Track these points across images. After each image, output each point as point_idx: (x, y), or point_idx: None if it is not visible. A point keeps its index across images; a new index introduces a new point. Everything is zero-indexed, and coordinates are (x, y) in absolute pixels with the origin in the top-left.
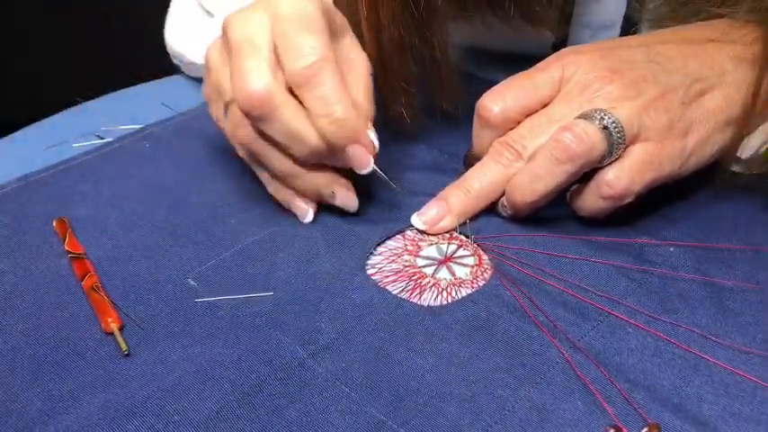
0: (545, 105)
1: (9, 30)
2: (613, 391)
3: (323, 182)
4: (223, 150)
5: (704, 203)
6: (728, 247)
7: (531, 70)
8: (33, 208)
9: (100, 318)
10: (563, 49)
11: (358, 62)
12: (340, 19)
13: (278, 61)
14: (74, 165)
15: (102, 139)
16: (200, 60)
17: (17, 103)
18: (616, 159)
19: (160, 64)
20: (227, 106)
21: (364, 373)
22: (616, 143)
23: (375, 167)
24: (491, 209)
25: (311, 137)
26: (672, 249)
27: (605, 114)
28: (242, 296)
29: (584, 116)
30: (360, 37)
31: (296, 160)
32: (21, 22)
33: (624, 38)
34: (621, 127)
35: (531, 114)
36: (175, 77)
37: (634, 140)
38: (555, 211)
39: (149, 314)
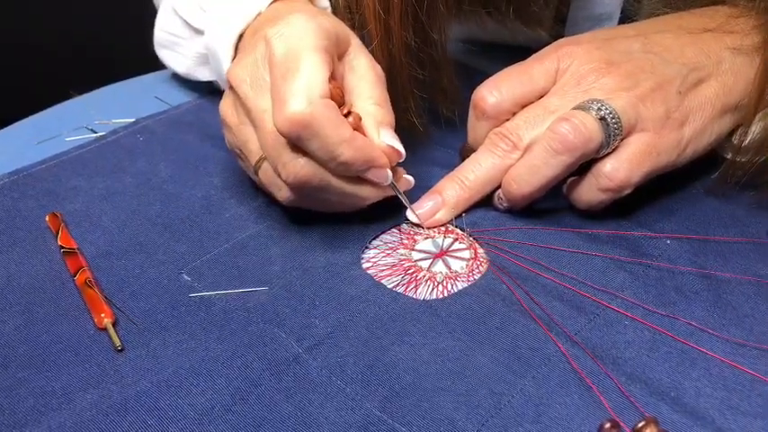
0: (541, 97)
1: (0, 24)
2: (610, 385)
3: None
4: (217, 144)
5: (701, 196)
6: (725, 240)
7: (527, 61)
8: (26, 203)
9: (93, 313)
10: (560, 40)
11: (365, 69)
12: (343, 29)
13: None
14: (67, 159)
15: (95, 132)
16: (184, 72)
17: (9, 98)
18: (613, 151)
19: (153, 57)
20: (259, 161)
21: (360, 368)
22: (613, 134)
23: (400, 194)
24: (487, 201)
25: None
26: (669, 242)
27: (602, 105)
28: (237, 291)
29: (581, 107)
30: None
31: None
32: (12, 16)
33: (621, 27)
34: (618, 117)
35: (526, 106)
36: (168, 70)
37: (631, 131)
38: (551, 204)
39: (143, 309)
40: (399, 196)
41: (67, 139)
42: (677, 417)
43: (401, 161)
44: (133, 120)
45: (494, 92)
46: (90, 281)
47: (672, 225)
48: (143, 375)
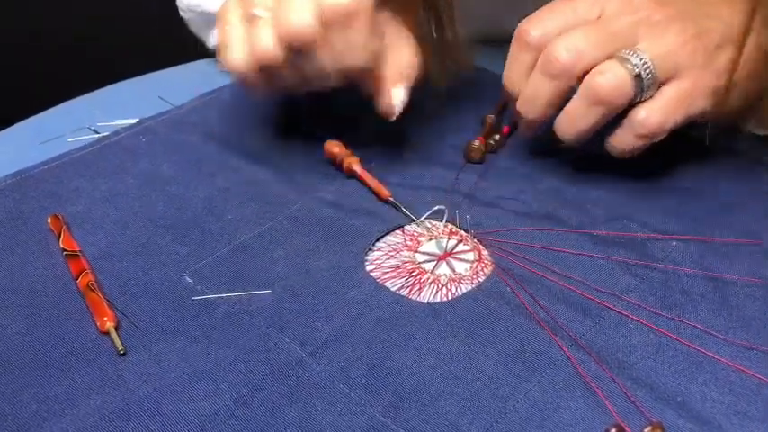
0: None
1: (2, 23)
2: (615, 389)
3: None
4: (220, 145)
5: (708, 197)
6: (732, 242)
7: None
8: (28, 204)
9: (95, 317)
10: None
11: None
12: None
13: None
14: (69, 160)
15: (97, 133)
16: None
17: (11, 98)
18: (650, 97)
19: (156, 56)
20: (253, 17)
21: (363, 372)
22: (647, 86)
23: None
24: (491, 203)
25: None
26: (675, 244)
27: (640, 58)
28: (239, 294)
29: (620, 57)
30: None
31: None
32: (13, 15)
33: None
34: (653, 72)
35: None
36: (172, 70)
37: (670, 79)
38: (556, 206)
39: (145, 312)
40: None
41: (70, 140)
42: (683, 422)
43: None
44: (136, 120)
45: (538, 26)
46: (92, 284)
47: (678, 227)
48: (146, 380)
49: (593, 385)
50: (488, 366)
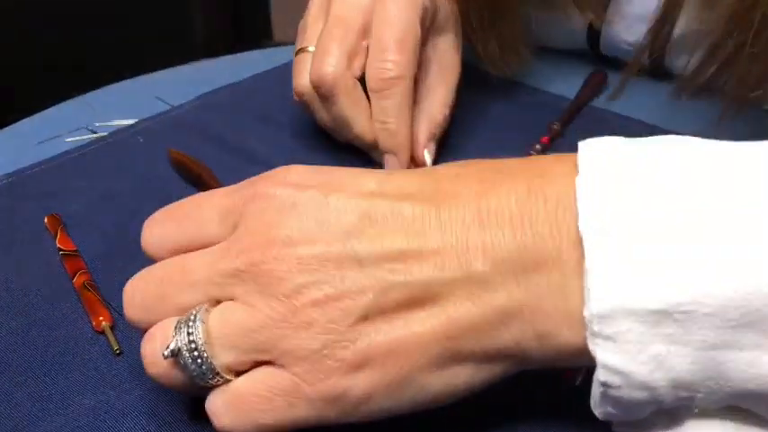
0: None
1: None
2: None
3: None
4: (218, 145)
5: None
6: None
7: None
8: (25, 204)
9: (91, 316)
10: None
11: (450, 66)
12: (445, 14)
13: (363, 44)
14: (66, 160)
15: (95, 133)
16: None
17: (9, 98)
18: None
19: (154, 56)
20: (301, 50)
21: None
22: (207, 371)
23: None
24: None
25: (357, 126)
26: None
27: (190, 332)
28: None
29: (180, 323)
30: None
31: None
32: (12, 15)
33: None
34: (204, 357)
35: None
36: (170, 70)
37: (270, 361)
38: None
39: None
40: None
41: (68, 140)
42: None
43: None
44: (134, 121)
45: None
46: (88, 283)
47: None
48: (141, 380)
49: None
50: None
